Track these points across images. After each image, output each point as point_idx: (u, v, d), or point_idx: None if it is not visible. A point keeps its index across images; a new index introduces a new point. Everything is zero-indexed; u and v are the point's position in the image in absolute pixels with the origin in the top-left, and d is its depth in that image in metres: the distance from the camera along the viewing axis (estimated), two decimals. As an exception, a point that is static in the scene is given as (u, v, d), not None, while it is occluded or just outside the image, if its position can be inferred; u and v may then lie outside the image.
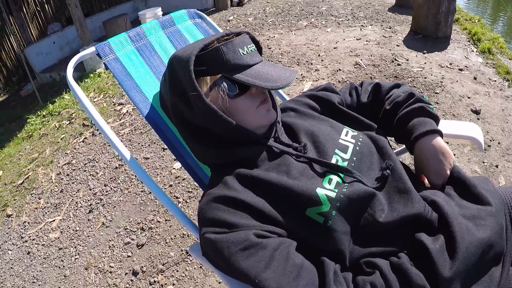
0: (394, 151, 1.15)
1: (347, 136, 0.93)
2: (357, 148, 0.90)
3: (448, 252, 0.75)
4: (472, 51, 4.13)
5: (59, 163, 3.03)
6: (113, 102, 3.88)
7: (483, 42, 4.37)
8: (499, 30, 8.51)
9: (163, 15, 6.23)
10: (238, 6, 7.39)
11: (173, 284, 1.70)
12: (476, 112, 2.82)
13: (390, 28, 4.87)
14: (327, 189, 0.78)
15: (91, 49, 1.15)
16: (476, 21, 5.48)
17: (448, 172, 0.94)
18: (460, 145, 2.48)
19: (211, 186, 0.83)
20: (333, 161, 0.84)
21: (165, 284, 1.71)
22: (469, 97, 3.01)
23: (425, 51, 3.99)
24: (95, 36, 6.92)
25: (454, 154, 2.39)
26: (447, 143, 0.99)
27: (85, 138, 3.29)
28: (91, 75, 5.00)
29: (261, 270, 0.69)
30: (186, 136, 0.91)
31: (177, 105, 0.87)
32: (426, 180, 1.00)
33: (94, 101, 4.03)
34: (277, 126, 0.91)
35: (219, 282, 1.66)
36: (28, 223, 2.47)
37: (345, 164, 0.85)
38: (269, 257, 0.70)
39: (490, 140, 2.53)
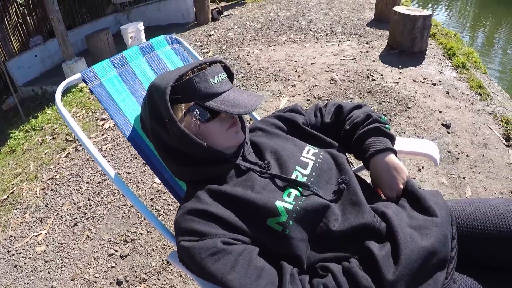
0: (355, 168, 1.31)
1: (308, 153, 1.08)
2: (317, 164, 1.05)
3: (393, 258, 0.86)
4: (447, 65, 4.35)
5: (43, 178, 3.13)
6: (95, 117, 4.01)
7: (457, 56, 4.59)
8: (478, 45, 8.85)
9: (145, 28, 6.39)
10: (218, 20, 7.56)
11: (155, 292, 1.83)
12: (447, 126, 3.01)
13: (367, 43, 5.08)
14: (286, 201, 0.93)
15: (78, 75, 1.28)
16: (452, 35, 5.71)
17: (401, 186, 1.07)
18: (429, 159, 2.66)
19: (186, 200, 0.98)
20: (293, 176, 0.99)
21: (147, 292, 1.84)
22: (440, 111, 3.21)
23: (400, 66, 4.20)
24: (77, 49, 7.00)
25: (423, 167, 2.57)
26: (400, 159, 1.15)
27: (69, 153, 3.41)
28: (73, 89, 5.09)
29: (227, 272, 0.82)
30: (163, 156, 1.06)
31: (155, 129, 1.01)
32: (382, 193, 1.13)
33: (76, 116, 4.15)
34: (245, 146, 1.06)
35: (198, 289, 1.79)
36: (14, 237, 2.56)
37: (305, 179, 1.00)
38: (234, 261, 0.84)
39: (459, 153, 2.71)
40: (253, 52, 5.20)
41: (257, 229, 0.91)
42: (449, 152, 2.70)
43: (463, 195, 2.33)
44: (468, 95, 3.61)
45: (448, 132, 2.93)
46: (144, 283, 1.89)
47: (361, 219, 0.94)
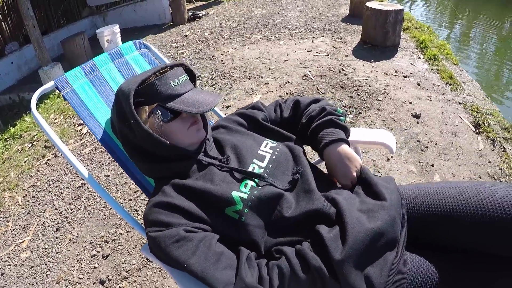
0: (315, 160, 1.41)
1: (266, 147, 1.19)
2: (274, 157, 1.15)
3: (341, 240, 0.95)
4: (419, 58, 4.50)
5: (24, 185, 3.18)
6: (73, 122, 4.09)
7: (430, 49, 4.74)
8: (452, 37, 9.08)
9: (122, 30, 6.44)
10: (195, 21, 7.64)
11: (136, 288, 1.92)
12: (416, 116, 3.15)
13: (341, 39, 5.22)
14: (242, 192, 1.03)
15: (51, 83, 1.36)
16: (426, 29, 5.88)
17: (354, 174, 1.17)
18: (398, 148, 2.79)
19: (154, 194, 1.08)
20: (250, 169, 1.10)
21: (129, 288, 1.93)
22: (410, 103, 3.35)
23: (372, 60, 4.34)
24: (54, 54, 7.01)
25: (392, 157, 2.70)
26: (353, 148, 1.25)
27: (48, 159, 3.46)
28: (51, 95, 5.13)
29: (189, 257, 0.93)
30: (131, 155, 1.16)
31: (122, 130, 1.11)
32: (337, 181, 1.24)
33: (54, 123, 4.21)
34: (206, 142, 1.17)
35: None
36: None
37: (261, 171, 1.10)
38: (195, 247, 0.94)
39: (428, 142, 2.84)
40: (228, 51, 5.31)
41: (216, 217, 1.01)
42: (418, 141, 2.84)
43: (432, 181, 2.46)
44: (439, 86, 3.75)
45: (417, 122, 3.07)
46: (126, 281, 1.99)
47: (312, 205, 1.04)
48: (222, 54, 5.19)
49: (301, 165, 1.15)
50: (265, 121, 1.32)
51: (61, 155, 3.42)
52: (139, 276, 2.00)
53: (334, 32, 5.57)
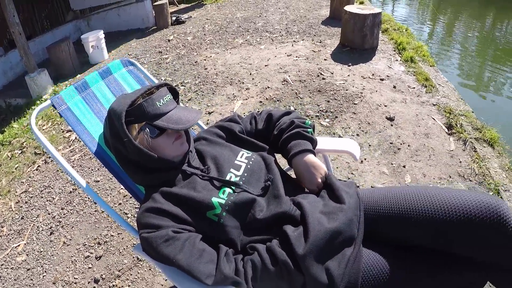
0: (286, 168, 1.60)
1: (242, 157, 1.37)
2: (249, 166, 1.34)
3: (304, 238, 1.14)
4: (396, 60, 4.70)
5: (16, 192, 3.30)
6: (61, 129, 4.21)
7: (407, 51, 4.94)
8: (435, 37, 9.35)
9: (106, 34, 6.57)
10: (178, 24, 7.77)
11: (129, 286, 2.10)
12: (390, 119, 3.35)
13: (320, 42, 5.41)
14: (220, 198, 1.22)
15: (48, 102, 1.52)
16: (404, 30, 6.07)
17: (319, 181, 1.36)
18: (372, 150, 2.99)
19: (145, 201, 1.26)
20: (227, 178, 1.28)
21: (122, 286, 2.11)
22: (386, 105, 3.55)
23: (350, 64, 4.54)
24: (39, 59, 7.07)
25: (365, 159, 2.90)
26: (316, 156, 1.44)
27: (39, 166, 3.59)
28: (38, 102, 5.26)
29: (176, 253, 1.11)
30: (124, 167, 1.33)
31: (116, 146, 1.28)
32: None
33: (43, 129, 4.32)
34: (189, 154, 1.35)
35: (165, 280, 2.08)
36: None
37: (237, 179, 1.29)
38: (181, 245, 1.12)
39: (401, 144, 3.04)
40: (211, 56, 5.48)
41: (199, 220, 1.20)
42: (391, 143, 3.04)
43: (402, 182, 2.66)
44: (414, 88, 3.96)
45: (391, 125, 3.27)
46: (119, 279, 2.15)
47: (280, 209, 1.23)
48: (205, 60, 5.36)
49: (272, 173, 1.34)
50: (241, 133, 1.50)
51: (51, 161, 3.57)
52: (131, 275, 2.17)
53: (314, 35, 5.76)
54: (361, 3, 8.34)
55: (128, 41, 7.24)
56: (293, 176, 1.46)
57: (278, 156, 1.47)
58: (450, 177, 2.71)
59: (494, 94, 5.87)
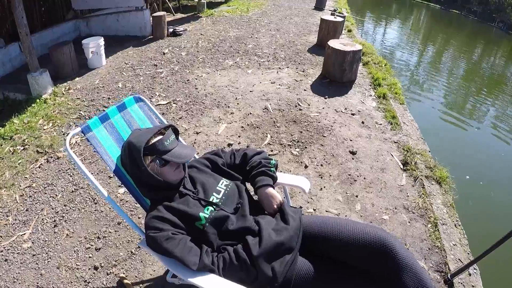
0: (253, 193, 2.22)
1: (222, 184, 2.00)
2: (226, 191, 1.97)
3: (259, 245, 1.77)
4: (370, 95, 5.37)
5: (20, 186, 3.72)
6: (62, 131, 4.68)
7: (382, 87, 5.60)
8: (409, 71, 10.12)
9: (104, 37, 7.07)
10: (174, 37, 8.35)
11: (123, 273, 2.68)
12: (353, 153, 4.01)
13: (303, 71, 6.08)
14: (205, 213, 1.84)
15: (78, 129, 2.10)
16: (383, 65, 6.71)
17: (275, 207, 2.01)
18: (331, 180, 3.64)
19: (151, 210, 1.87)
20: (211, 199, 1.90)
21: (118, 273, 2.69)
22: (351, 140, 4.21)
23: (326, 96, 5.21)
24: (37, 54, 7.44)
25: (324, 187, 3.53)
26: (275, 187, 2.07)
27: (41, 164, 4.06)
28: (38, 100, 5.65)
29: (173, 248, 1.72)
30: (137, 184, 1.96)
31: (133, 170, 1.89)
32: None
33: (44, 129, 4.76)
34: (184, 179, 1.97)
35: (154, 270, 2.69)
36: (1, 236, 3.15)
37: (218, 200, 1.91)
38: (177, 243, 1.74)
39: (358, 176, 3.70)
40: (202, 76, 6.12)
41: (189, 227, 1.81)
42: (349, 175, 3.70)
43: (353, 209, 3.31)
44: (381, 124, 4.62)
45: (353, 158, 3.93)
46: (115, 267, 2.74)
47: (245, 224, 1.86)
48: (196, 79, 6.00)
49: (242, 199, 1.98)
50: (223, 165, 2.15)
51: (53, 160, 4.08)
52: (125, 265, 2.76)
53: (299, 63, 6.44)
54: (349, 31, 9.06)
55: (125, 48, 7.80)
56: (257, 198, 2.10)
57: (248, 185, 2.10)
58: (395, 208, 3.35)
59: (455, 135, 6.63)
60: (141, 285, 2.61)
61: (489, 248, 2.46)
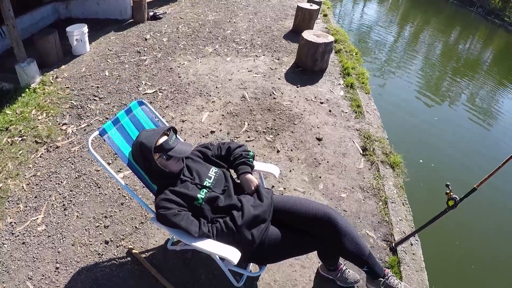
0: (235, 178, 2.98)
1: (212, 171, 2.77)
2: (216, 177, 2.74)
3: (241, 217, 2.53)
4: (339, 84, 6.06)
5: (25, 175, 4.15)
6: (57, 121, 5.09)
7: (350, 76, 6.21)
8: (399, 52, 10.88)
9: (84, 20, 7.48)
10: (154, 20, 8.80)
11: (131, 245, 3.41)
12: (319, 139, 4.76)
13: (278, 59, 6.73)
14: (201, 194, 2.60)
15: (96, 132, 2.78)
16: (354, 54, 7.27)
17: (253, 189, 2.79)
18: (299, 163, 4.41)
19: (159, 194, 2.61)
20: (205, 184, 2.67)
21: (126, 245, 3.42)
22: (318, 127, 4.94)
23: (299, 85, 5.90)
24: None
25: (293, 169, 4.31)
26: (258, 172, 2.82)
27: (42, 154, 4.48)
28: (27, 90, 5.93)
29: (179, 221, 2.45)
30: (147, 174, 2.72)
31: (145, 164, 2.63)
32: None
33: (38, 119, 5.12)
34: (184, 169, 2.72)
35: (156, 241, 3.44)
36: (15, 222, 3.58)
37: (210, 184, 2.68)
38: (182, 217, 2.47)
39: (322, 160, 4.47)
40: (184, 64, 6.72)
41: (190, 206, 2.57)
42: (315, 159, 4.48)
43: (317, 188, 4.08)
44: (346, 113, 5.35)
45: (319, 144, 4.69)
46: (123, 241, 3.46)
47: (231, 202, 2.63)
48: (179, 67, 6.61)
49: (228, 182, 2.75)
50: (212, 157, 2.91)
51: (53, 150, 4.56)
52: (132, 238, 3.50)
53: (274, 51, 7.10)
54: (325, 15, 9.70)
55: (107, 33, 8.21)
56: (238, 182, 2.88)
57: (231, 171, 2.87)
58: (353, 188, 4.14)
59: (416, 122, 7.46)
60: (146, 253, 3.36)
61: (426, 223, 3.17)
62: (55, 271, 3.18)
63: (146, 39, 7.80)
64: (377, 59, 11.04)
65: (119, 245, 3.45)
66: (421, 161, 6.10)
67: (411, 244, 3.60)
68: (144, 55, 7.11)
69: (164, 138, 2.62)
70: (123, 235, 3.53)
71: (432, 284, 3.36)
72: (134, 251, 3.34)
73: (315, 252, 2.98)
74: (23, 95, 5.84)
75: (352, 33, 13.09)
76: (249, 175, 2.81)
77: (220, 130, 5.01)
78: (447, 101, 9.09)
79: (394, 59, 11.40)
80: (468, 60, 13.38)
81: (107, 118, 5.15)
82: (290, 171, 4.32)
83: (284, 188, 4.09)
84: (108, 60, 6.99)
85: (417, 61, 11.48)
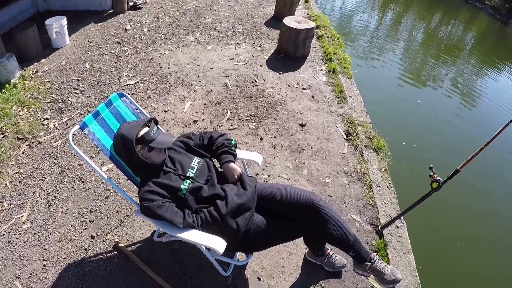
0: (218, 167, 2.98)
1: (195, 162, 2.76)
2: (199, 167, 2.73)
3: (225, 206, 2.52)
4: (321, 69, 6.08)
5: (8, 173, 4.07)
6: (38, 116, 5.01)
7: (332, 62, 6.24)
8: (380, 40, 10.91)
9: (63, 12, 7.39)
10: (135, 10, 8.70)
11: (117, 238, 3.41)
12: (302, 125, 4.78)
13: (260, 47, 6.71)
14: (184, 185, 2.60)
15: (77, 126, 2.76)
16: (336, 39, 7.29)
17: (236, 177, 2.79)
18: (283, 150, 4.42)
19: (142, 186, 2.60)
20: (188, 174, 2.66)
21: (112, 239, 3.42)
22: (301, 113, 4.96)
23: (281, 72, 5.90)
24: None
25: (277, 156, 4.31)
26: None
27: (24, 150, 4.40)
28: (7, 85, 5.81)
29: (164, 213, 2.45)
30: (130, 166, 2.69)
31: (127, 156, 2.61)
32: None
33: (19, 115, 5.01)
34: (166, 160, 2.70)
35: (142, 233, 3.44)
36: (0, 221, 3.53)
37: (193, 175, 2.67)
38: (166, 209, 2.47)
39: (306, 146, 4.49)
40: (165, 53, 6.67)
41: (174, 197, 2.57)
42: (298, 145, 4.50)
43: (301, 174, 4.11)
44: (329, 98, 5.38)
45: (302, 130, 4.71)
46: (109, 235, 3.46)
47: (214, 191, 2.63)
48: (160, 57, 6.57)
49: (211, 172, 2.74)
50: (195, 147, 2.90)
51: (36, 146, 4.50)
52: (118, 231, 3.49)
53: (256, 38, 7.08)
54: (306, 1, 9.68)
55: (86, 25, 8.10)
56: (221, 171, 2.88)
57: (214, 160, 2.86)
58: (337, 173, 4.18)
59: (398, 107, 7.52)
60: (133, 246, 3.37)
61: (410, 205, 3.22)
62: (42, 269, 3.16)
63: (126, 30, 7.73)
64: (359, 44, 11.08)
65: (105, 239, 3.44)
66: (404, 143, 6.16)
67: (397, 227, 3.65)
68: (125, 46, 7.05)
69: (145, 129, 2.60)
70: (109, 229, 3.53)
71: (419, 265, 3.42)
72: (120, 244, 3.34)
73: (302, 239, 3.02)
74: (3, 91, 5.70)
75: (334, 19, 13.10)
76: (231, 164, 2.81)
77: (202, 120, 5.00)
78: (430, 84, 9.16)
79: (376, 44, 11.44)
80: (450, 43, 13.49)
81: (88, 111, 5.10)
82: (274, 158, 4.33)
83: (269, 175, 4.13)
84: (89, 52, 6.93)
85: (399, 45, 11.55)
